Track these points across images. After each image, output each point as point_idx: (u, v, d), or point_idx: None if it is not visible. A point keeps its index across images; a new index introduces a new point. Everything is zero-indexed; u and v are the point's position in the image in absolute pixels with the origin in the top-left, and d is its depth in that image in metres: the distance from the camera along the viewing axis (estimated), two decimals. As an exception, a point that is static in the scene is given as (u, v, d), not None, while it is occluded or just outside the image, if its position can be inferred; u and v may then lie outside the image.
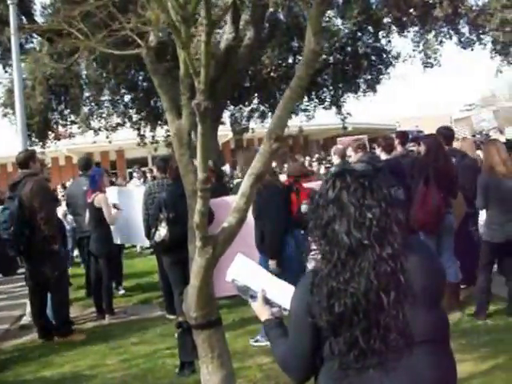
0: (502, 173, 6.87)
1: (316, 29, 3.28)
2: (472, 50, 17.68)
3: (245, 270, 2.87)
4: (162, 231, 7.39)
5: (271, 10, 15.14)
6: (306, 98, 19.01)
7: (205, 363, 3.89)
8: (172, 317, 8.16)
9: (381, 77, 19.23)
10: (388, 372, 2.20)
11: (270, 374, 5.87)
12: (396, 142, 8.84)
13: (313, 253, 2.36)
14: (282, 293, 2.67)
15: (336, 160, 9.19)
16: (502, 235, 6.94)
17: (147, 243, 9.79)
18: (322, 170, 17.28)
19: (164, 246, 7.57)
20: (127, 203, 9.87)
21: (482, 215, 7.73)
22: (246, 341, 7.03)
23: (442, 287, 2.46)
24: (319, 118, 21.65)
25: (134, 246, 15.62)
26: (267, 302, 2.74)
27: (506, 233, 6.89)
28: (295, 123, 19.83)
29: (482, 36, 16.94)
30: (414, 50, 17.94)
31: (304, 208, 6.74)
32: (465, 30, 17.40)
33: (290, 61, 17.92)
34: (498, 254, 7.25)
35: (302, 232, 6.82)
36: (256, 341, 6.94)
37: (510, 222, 6.85)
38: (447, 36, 17.62)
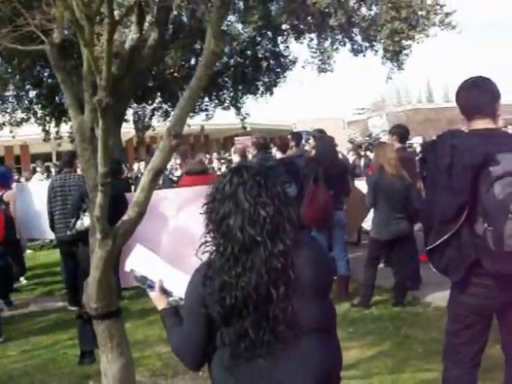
0: (390, 173, 7.08)
1: (215, 31, 3.30)
2: (364, 56, 18.14)
3: (143, 260, 2.85)
4: (86, 220, 7.21)
5: (175, 12, 15.03)
6: (206, 99, 19.02)
7: (104, 352, 3.84)
8: (74, 308, 8.00)
9: (278, 80, 19.44)
10: (277, 361, 2.24)
11: (169, 362, 5.85)
12: (292, 142, 8.97)
13: (206, 245, 2.36)
14: (179, 283, 2.66)
15: (236, 158, 9.25)
16: (389, 232, 7.15)
17: (50, 236, 9.69)
18: (223, 168, 17.34)
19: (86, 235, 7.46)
20: (27, 199, 9.78)
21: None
22: (146, 331, 6.98)
23: (330, 280, 2.55)
24: (220, 118, 21.69)
25: (38, 239, 15.18)
26: (164, 291, 2.73)
27: (392, 230, 7.11)
28: (197, 122, 19.80)
29: (374, 43, 17.39)
30: (312, 57, 18.24)
31: None
32: (358, 37, 17.83)
33: (193, 62, 17.80)
34: (386, 249, 7.48)
35: None
36: None
37: (395, 219, 7.07)
38: (341, 43, 18.01)
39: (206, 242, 2.35)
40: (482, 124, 3.47)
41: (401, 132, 7.64)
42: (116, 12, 5.67)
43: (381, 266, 7.92)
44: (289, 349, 2.24)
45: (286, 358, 2.24)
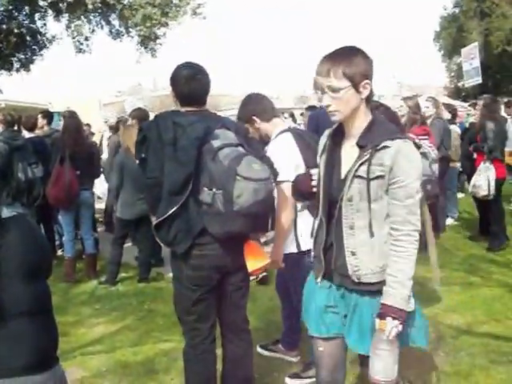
0: (135, 155, 7.10)
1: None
2: (121, 41, 18.10)
3: None
4: None
5: None
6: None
7: None
8: None
9: (34, 57, 18.62)
10: None
11: None
12: (43, 121, 8.67)
13: None
14: None
15: (-16, 134, 8.73)
16: (134, 212, 7.18)
17: None
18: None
19: None
20: None
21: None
22: None
23: (44, 261, 2.43)
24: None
25: None
26: None
27: (137, 210, 7.10)
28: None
29: (130, 29, 17.40)
30: (68, 36, 17.73)
31: None
32: (115, 22, 17.74)
33: None
34: (131, 228, 7.51)
35: None
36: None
37: (139, 200, 7.06)
38: (99, 26, 17.79)
39: None
40: (196, 107, 3.66)
41: (140, 115, 7.74)
42: None
43: (129, 244, 7.98)
44: None
45: None
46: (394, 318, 2.66)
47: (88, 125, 13.52)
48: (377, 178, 2.71)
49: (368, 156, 2.71)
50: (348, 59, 2.69)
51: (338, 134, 2.93)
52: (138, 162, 3.81)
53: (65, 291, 7.17)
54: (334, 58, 2.71)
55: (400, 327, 2.67)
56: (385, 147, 2.68)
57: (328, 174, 2.93)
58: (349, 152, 2.85)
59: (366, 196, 2.73)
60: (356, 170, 2.74)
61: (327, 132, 3.03)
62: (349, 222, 2.81)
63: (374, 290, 2.81)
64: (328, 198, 2.92)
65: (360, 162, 2.73)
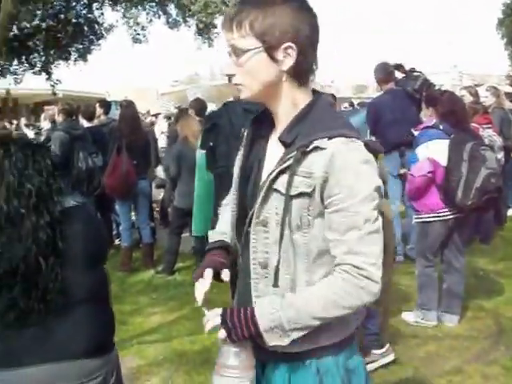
0: (193, 144, 7.12)
1: (14, -8, 3.16)
2: (178, 30, 18.22)
3: None
4: None
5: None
6: (15, 62, 18.02)
7: None
8: None
9: (92, 47, 18.90)
10: (49, 330, 2.25)
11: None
12: (100, 110, 8.75)
13: None
14: None
15: (47, 125, 8.90)
16: (190, 202, 7.15)
17: None
18: (32, 135, 16.51)
19: None
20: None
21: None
22: None
23: (103, 250, 2.58)
24: (31, 82, 20.63)
25: None
26: None
27: (193, 200, 7.09)
28: (4, 86, 18.74)
29: (187, 18, 17.50)
30: (128, 26, 17.92)
31: None
32: (173, 11, 17.85)
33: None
34: (189, 217, 7.53)
35: None
36: None
37: None
38: (156, 15, 17.94)
39: None
40: None
41: (197, 105, 7.77)
42: None
43: (186, 234, 8.01)
44: (60, 317, 2.26)
45: (58, 326, 2.26)
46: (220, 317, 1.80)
47: (155, 115, 13.65)
48: (300, 195, 1.73)
49: (291, 161, 1.72)
50: (263, 6, 1.69)
51: (265, 122, 1.94)
52: (204, 151, 3.80)
53: (122, 280, 7.25)
54: (245, 2, 1.73)
55: (222, 333, 1.78)
56: (317, 148, 1.70)
57: (244, 177, 1.95)
58: (274, 149, 1.86)
59: (286, 220, 1.74)
60: (273, 181, 1.76)
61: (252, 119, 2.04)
62: (259, 257, 1.82)
63: (295, 358, 1.85)
64: (240, 214, 1.95)
65: (279, 170, 1.75)
